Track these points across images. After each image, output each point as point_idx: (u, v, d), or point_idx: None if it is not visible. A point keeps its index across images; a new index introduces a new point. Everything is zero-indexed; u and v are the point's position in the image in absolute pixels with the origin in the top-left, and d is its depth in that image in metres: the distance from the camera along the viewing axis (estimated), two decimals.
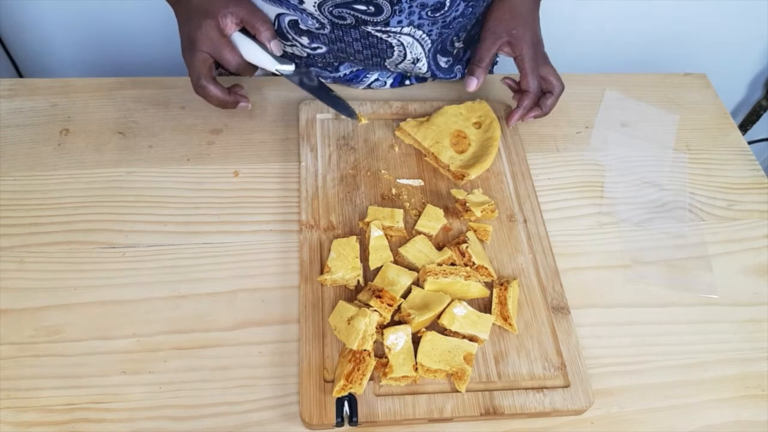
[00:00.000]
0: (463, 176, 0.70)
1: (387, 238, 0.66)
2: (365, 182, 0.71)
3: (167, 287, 0.63)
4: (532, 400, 0.57)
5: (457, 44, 0.79)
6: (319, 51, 0.76)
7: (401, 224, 0.66)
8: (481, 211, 0.68)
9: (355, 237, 0.65)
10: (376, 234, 0.65)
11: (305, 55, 0.78)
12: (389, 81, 0.83)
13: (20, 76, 1.29)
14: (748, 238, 0.73)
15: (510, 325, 0.61)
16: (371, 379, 0.56)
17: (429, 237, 0.66)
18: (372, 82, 0.82)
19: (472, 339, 0.60)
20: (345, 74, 0.81)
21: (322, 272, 0.63)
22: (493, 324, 0.61)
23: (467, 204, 0.68)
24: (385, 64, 0.77)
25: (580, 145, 0.80)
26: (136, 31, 1.24)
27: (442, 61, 0.80)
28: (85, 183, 0.70)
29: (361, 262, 0.63)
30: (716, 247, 0.72)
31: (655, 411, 0.60)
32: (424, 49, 0.75)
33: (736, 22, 1.33)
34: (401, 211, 0.67)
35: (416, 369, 0.57)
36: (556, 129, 0.81)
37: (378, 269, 0.64)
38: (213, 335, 0.60)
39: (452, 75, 0.83)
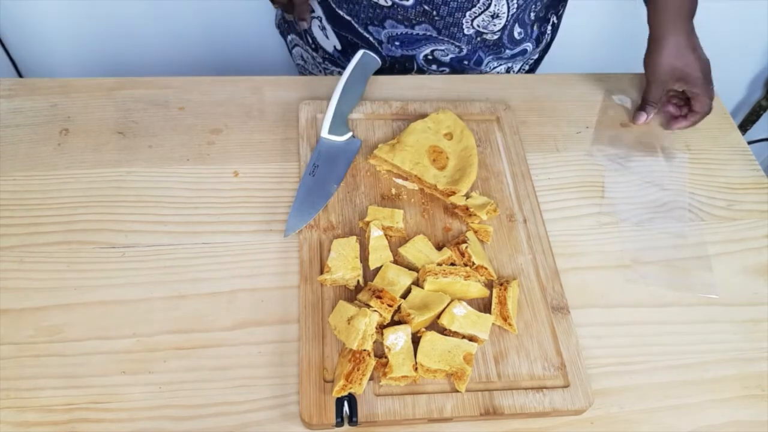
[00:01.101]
0: (453, 193, 0.69)
1: (387, 238, 0.66)
2: (365, 182, 0.71)
3: (167, 287, 0.63)
4: (532, 400, 0.57)
5: (532, 15, 0.83)
6: (405, 3, 0.78)
7: (401, 224, 0.66)
8: (486, 213, 0.68)
9: (355, 237, 0.65)
10: (375, 234, 0.65)
11: (389, 4, 0.79)
12: (449, 56, 0.87)
13: (20, 76, 1.29)
14: (748, 238, 0.73)
15: (510, 325, 0.61)
16: (371, 379, 0.56)
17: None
18: (434, 51, 0.85)
19: (471, 339, 0.60)
20: (418, 34, 0.83)
21: (322, 272, 0.63)
22: (493, 324, 0.61)
23: (470, 209, 0.68)
24: (463, 21, 0.79)
25: (580, 145, 0.80)
26: (136, 31, 1.24)
27: (516, 32, 0.83)
28: (85, 183, 0.70)
29: (360, 262, 0.63)
30: (716, 247, 0.72)
31: (655, 411, 0.60)
32: (508, 7, 0.78)
33: (736, 22, 1.33)
34: (401, 211, 0.67)
35: (416, 369, 0.57)
36: (556, 129, 0.81)
37: (378, 269, 0.64)
38: (213, 335, 0.60)
39: (518, 48, 0.88)
